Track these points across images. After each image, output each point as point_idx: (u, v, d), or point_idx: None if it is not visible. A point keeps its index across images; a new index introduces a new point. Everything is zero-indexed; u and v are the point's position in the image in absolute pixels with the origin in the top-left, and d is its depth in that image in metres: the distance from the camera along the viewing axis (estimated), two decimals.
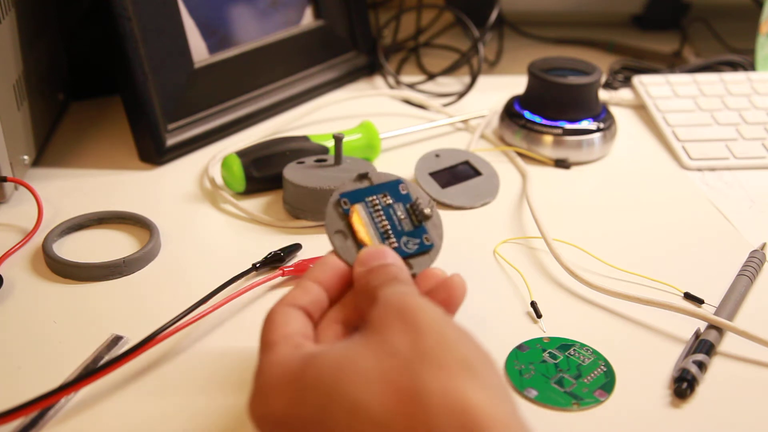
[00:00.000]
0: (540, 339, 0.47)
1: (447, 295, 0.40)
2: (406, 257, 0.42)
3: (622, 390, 0.44)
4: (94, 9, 0.62)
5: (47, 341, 0.47)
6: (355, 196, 0.43)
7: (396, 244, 0.43)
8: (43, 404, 0.39)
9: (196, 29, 0.68)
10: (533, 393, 0.43)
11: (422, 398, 0.30)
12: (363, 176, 0.44)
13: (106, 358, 0.45)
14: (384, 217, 0.43)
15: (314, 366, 0.34)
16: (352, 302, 0.40)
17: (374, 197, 0.44)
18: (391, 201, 0.44)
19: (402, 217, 0.44)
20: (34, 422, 0.40)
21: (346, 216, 0.43)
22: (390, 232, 0.43)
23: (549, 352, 0.46)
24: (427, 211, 0.44)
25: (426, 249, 0.43)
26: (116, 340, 0.46)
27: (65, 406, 0.42)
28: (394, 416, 0.31)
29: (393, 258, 0.41)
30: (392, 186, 0.44)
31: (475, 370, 0.32)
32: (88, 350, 0.46)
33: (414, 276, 0.42)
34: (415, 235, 0.43)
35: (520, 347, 0.46)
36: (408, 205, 0.44)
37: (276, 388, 0.34)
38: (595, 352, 0.46)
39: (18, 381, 0.44)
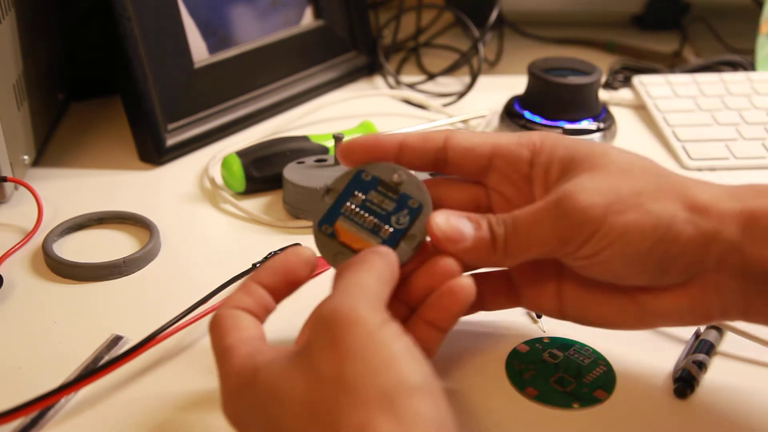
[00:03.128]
0: (540, 339, 0.47)
1: (449, 302, 0.39)
2: (405, 233, 0.42)
3: (622, 390, 0.44)
4: (94, 9, 0.62)
5: (47, 341, 0.47)
6: (332, 215, 0.43)
7: (390, 229, 0.42)
8: (43, 404, 0.39)
9: (196, 29, 0.68)
10: (533, 393, 0.43)
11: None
12: (328, 190, 0.43)
13: (106, 358, 0.45)
14: (367, 214, 0.42)
15: (258, 383, 0.34)
16: None
17: (348, 203, 0.43)
18: (363, 196, 0.43)
19: (380, 200, 0.42)
20: (34, 422, 0.40)
21: (334, 237, 0.42)
22: (378, 222, 0.42)
23: (549, 352, 0.46)
24: (395, 177, 0.42)
25: (418, 211, 0.42)
26: (116, 340, 0.46)
27: (65, 406, 0.42)
28: None
29: (382, 254, 0.40)
30: (356, 180, 0.43)
31: (394, 402, 0.31)
32: (88, 350, 0.46)
33: (421, 245, 0.41)
34: (400, 207, 0.42)
35: (520, 347, 0.46)
36: (378, 188, 0.43)
37: (233, 395, 0.35)
38: (595, 352, 0.46)
39: (18, 381, 0.44)
